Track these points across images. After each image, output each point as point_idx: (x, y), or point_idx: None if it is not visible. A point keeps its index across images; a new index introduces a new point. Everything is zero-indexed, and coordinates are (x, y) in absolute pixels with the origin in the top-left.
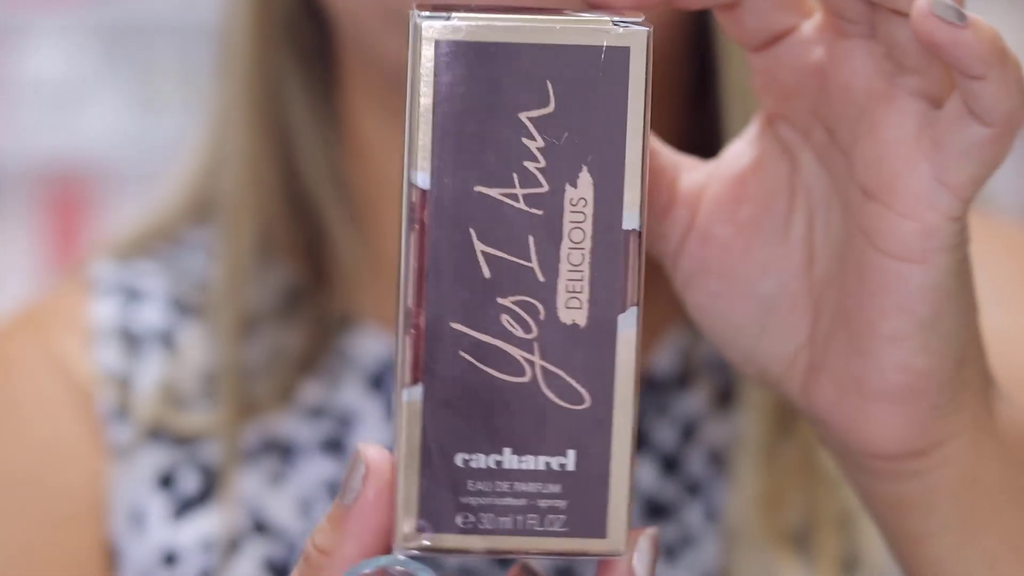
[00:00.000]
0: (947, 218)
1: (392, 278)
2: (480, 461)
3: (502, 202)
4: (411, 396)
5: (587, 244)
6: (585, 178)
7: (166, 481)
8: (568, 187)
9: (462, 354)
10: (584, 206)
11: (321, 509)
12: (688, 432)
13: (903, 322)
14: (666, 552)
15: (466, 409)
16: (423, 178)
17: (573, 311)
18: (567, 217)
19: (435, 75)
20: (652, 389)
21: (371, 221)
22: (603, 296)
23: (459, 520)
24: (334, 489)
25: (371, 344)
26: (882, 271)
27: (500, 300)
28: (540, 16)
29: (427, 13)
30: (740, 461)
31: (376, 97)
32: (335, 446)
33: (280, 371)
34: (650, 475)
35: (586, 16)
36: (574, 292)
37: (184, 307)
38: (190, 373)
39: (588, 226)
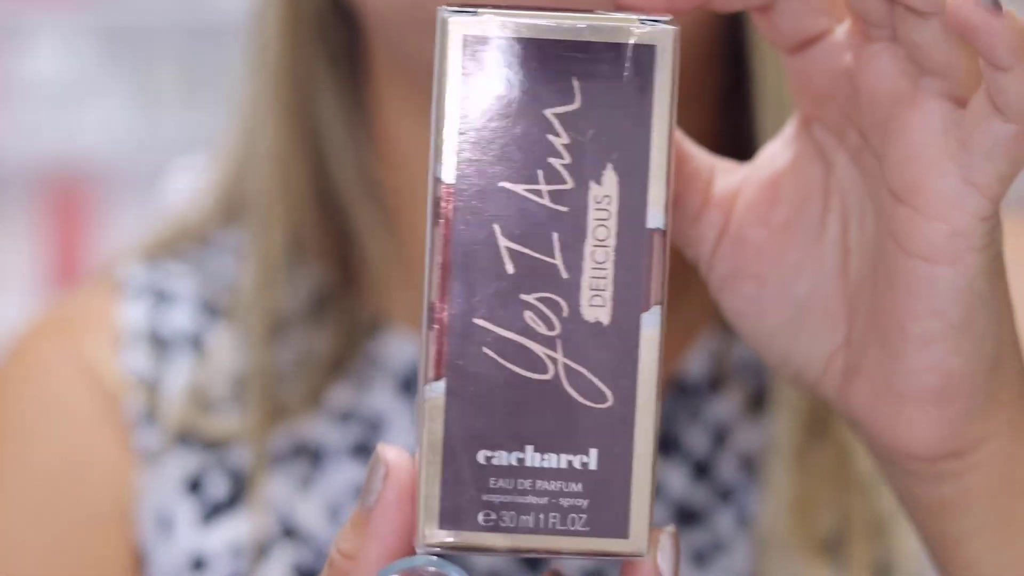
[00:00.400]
0: (976, 218)
1: (423, 281)
2: (502, 458)
3: (526, 198)
4: (434, 392)
5: (611, 242)
6: (610, 175)
7: (194, 486)
8: (593, 184)
9: (485, 350)
10: (609, 203)
11: (350, 514)
12: (720, 437)
13: (934, 324)
14: (697, 558)
15: (488, 406)
16: (448, 172)
17: (597, 309)
18: (591, 214)
19: (462, 70)
20: (684, 394)
21: (401, 222)
22: (627, 294)
23: (480, 518)
24: None
25: (401, 347)
26: (912, 274)
27: (523, 296)
28: (568, 13)
29: (455, 8)
30: (772, 467)
31: (406, 97)
32: (365, 450)
33: (310, 375)
34: (681, 481)
35: (614, 14)
36: (598, 290)
37: (213, 310)
38: (219, 376)
39: (613, 224)
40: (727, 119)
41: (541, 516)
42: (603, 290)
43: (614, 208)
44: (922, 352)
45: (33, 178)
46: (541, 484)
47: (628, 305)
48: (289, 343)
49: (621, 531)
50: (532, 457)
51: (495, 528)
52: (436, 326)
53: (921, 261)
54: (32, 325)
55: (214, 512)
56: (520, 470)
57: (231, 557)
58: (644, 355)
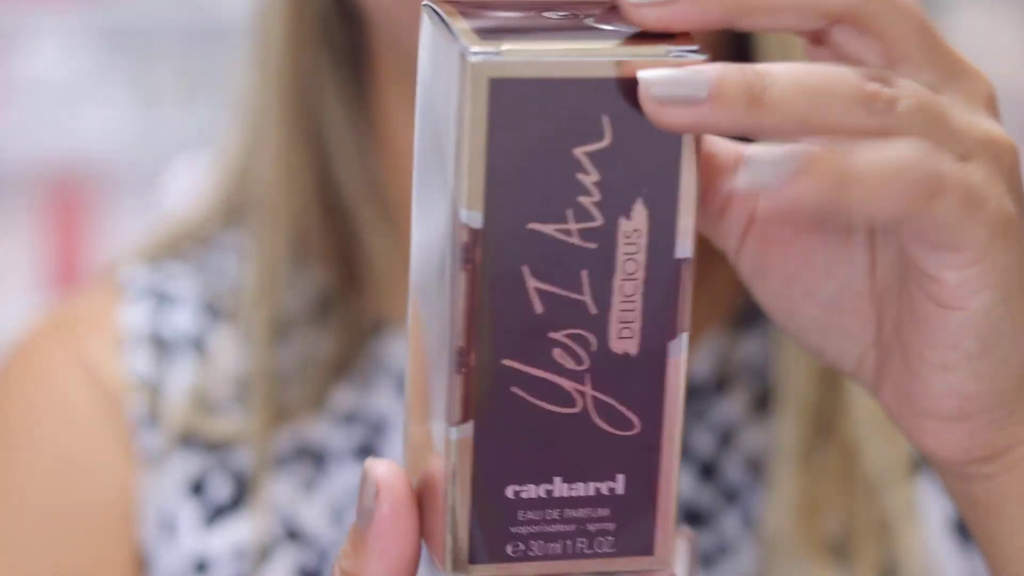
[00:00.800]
0: (960, 268)
1: None
2: (530, 492)
3: (555, 238)
4: (461, 434)
5: (640, 275)
6: (640, 210)
7: (197, 488)
8: (623, 220)
9: (514, 390)
10: (638, 238)
11: (352, 517)
12: (725, 438)
13: (950, 355)
14: (704, 560)
15: (516, 443)
16: (475, 218)
17: (625, 341)
18: (621, 249)
19: (488, 113)
20: (689, 395)
21: (405, 224)
22: (655, 325)
23: (509, 549)
24: None
25: (405, 348)
26: (925, 308)
27: (552, 335)
28: (594, 46)
29: (477, 48)
30: (778, 468)
31: (412, 99)
32: (368, 452)
33: (313, 376)
34: (687, 482)
35: (643, 46)
36: (626, 322)
37: (216, 311)
38: (222, 378)
39: (642, 257)
40: None
41: (569, 542)
42: (632, 322)
43: (643, 242)
44: (939, 378)
45: (33, 178)
46: (569, 512)
47: (656, 335)
48: (292, 345)
49: (647, 548)
50: (560, 488)
51: (523, 558)
52: (464, 370)
53: (931, 302)
54: (34, 327)
55: (217, 514)
56: (548, 501)
57: (234, 559)
58: (671, 381)
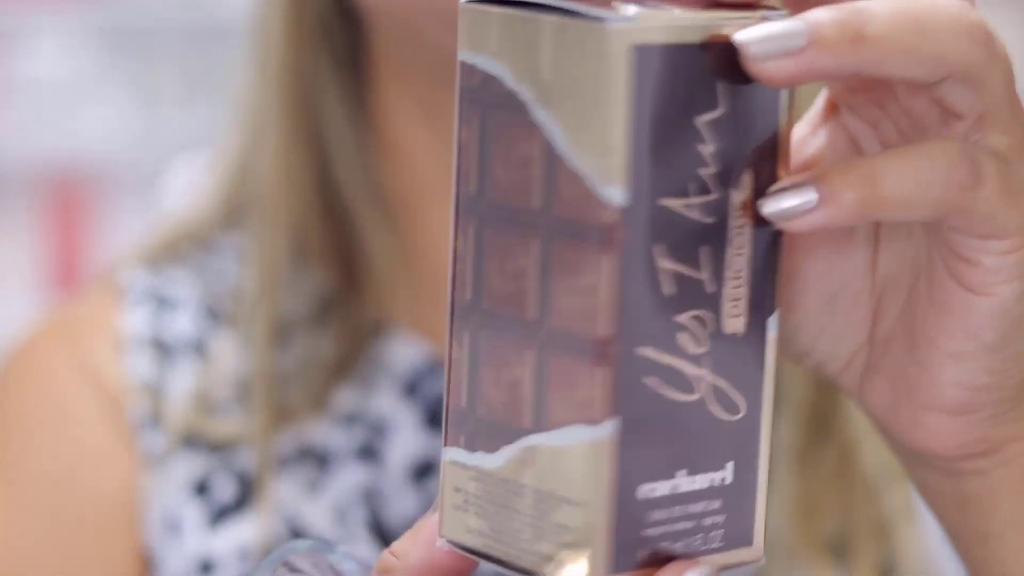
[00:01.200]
0: (1000, 254)
1: (427, 283)
2: (661, 489)
3: (680, 214)
4: (602, 434)
5: (747, 250)
6: (746, 181)
7: (201, 489)
8: (733, 192)
9: (646, 380)
10: (745, 209)
11: (355, 517)
12: None
13: (967, 344)
14: None
15: (649, 437)
16: (618, 195)
17: (735, 319)
18: (732, 222)
19: (629, 81)
20: None
21: (406, 225)
22: (758, 300)
23: (644, 555)
24: (368, 496)
25: (405, 350)
26: (950, 293)
27: (677, 318)
28: (704, 14)
29: (604, 13)
30: (776, 468)
31: (415, 100)
32: (370, 453)
33: (314, 378)
34: None
35: (729, 12)
36: (736, 299)
37: (216, 314)
38: (223, 380)
39: (748, 230)
40: None
41: (689, 540)
42: (740, 299)
43: (749, 213)
44: (951, 366)
45: (33, 178)
46: (690, 507)
47: (758, 312)
48: (293, 346)
49: (747, 539)
50: (685, 482)
51: (655, 562)
52: (607, 362)
53: (958, 285)
54: (35, 330)
55: (221, 515)
56: (675, 497)
57: (239, 560)
58: (769, 360)
